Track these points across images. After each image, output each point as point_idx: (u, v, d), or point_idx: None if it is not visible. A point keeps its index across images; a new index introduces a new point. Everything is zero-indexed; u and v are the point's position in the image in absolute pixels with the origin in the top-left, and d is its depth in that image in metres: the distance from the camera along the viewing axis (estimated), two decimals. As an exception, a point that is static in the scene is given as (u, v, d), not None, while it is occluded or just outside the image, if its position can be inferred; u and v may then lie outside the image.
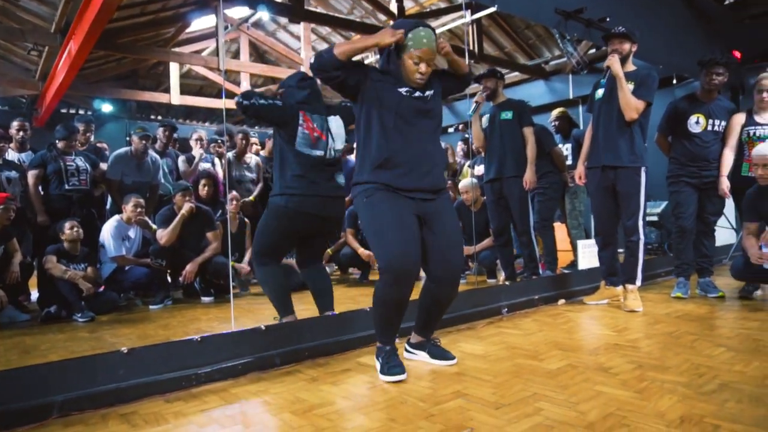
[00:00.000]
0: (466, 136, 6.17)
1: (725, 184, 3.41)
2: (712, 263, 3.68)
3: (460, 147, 6.29)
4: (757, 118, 3.44)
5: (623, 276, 3.36)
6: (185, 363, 2.03)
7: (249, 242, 4.66)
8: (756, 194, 3.17)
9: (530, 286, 3.42)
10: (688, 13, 5.49)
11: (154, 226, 4.21)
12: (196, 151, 5.09)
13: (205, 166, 5.00)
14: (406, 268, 1.96)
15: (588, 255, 3.93)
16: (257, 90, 2.90)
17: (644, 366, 2.04)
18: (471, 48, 7.24)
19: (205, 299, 4.21)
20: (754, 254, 3.05)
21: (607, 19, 3.98)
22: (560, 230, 5.12)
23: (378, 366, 2.10)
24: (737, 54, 6.12)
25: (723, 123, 3.51)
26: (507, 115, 3.98)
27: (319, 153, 2.70)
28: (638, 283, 3.30)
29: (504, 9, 3.64)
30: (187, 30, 8.40)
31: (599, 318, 3.07)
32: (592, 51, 7.15)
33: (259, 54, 11.36)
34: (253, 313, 3.62)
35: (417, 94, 2.07)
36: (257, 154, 5.69)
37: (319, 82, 2.43)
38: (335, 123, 2.81)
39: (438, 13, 7.46)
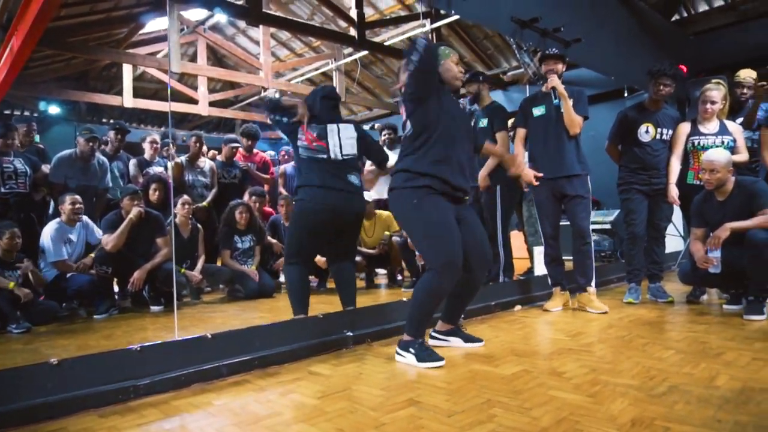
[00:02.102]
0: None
1: (674, 191, 3.51)
2: (662, 269, 3.78)
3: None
4: (701, 128, 3.56)
5: (582, 280, 3.46)
6: (123, 374, 1.91)
7: (202, 249, 4.51)
8: (702, 201, 3.26)
9: (487, 293, 3.41)
10: (638, 27, 5.68)
11: (100, 234, 4.01)
12: (149, 155, 4.91)
13: (157, 169, 4.82)
14: (459, 264, 2.23)
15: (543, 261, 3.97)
16: (284, 101, 3.05)
17: (597, 370, 2.04)
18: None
19: (155, 308, 4.03)
20: (699, 258, 3.13)
21: (561, 29, 4.06)
22: (517, 238, 5.17)
23: (411, 357, 2.24)
24: (683, 68, 6.38)
25: (670, 132, 3.62)
26: (483, 122, 4.05)
27: (321, 156, 2.94)
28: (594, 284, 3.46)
29: (462, 16, 3.67)
30: (142, 31, 8.16)
31: (554, 323, 3.08)
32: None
33: (217, 58, 11.15)
34: (203, 322, 3.48)
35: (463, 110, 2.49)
36: (213, 159, 5.54)
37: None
38: (345, 131, 3.04)
39: (397, 21, 7.49)
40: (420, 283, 2.29)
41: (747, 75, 3.90)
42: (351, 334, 2.60)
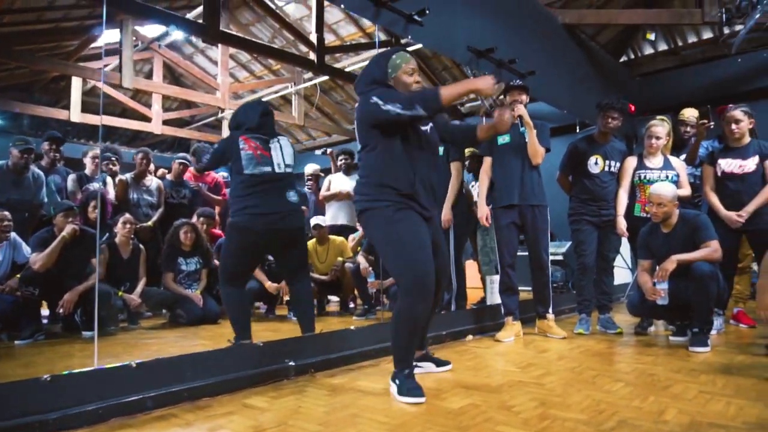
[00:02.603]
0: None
1: (622, 223, 3.56)
2: (611, 300, 3.80)
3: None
4: (647, 163, 3.64)
5: (542, 308, 3.56)
6: (28, 408, 1.70)
7: (143, 270, 4.26)
8: (648, 233, 3.31)
9: (438, 322, 3.33)
10: (590, 65, 5.89)
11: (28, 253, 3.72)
12: (89, 170, 4.65)
13: (96, 185, 4.56)
14: (432, 285, 2.11)
15: (497, 290, 3.93)
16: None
17: (547, 403, 1.97)
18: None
19: (87, 333, 3.74)
20: (647, 290, 3.16)
21: (516, 61, 4.13)
22: (471, 267, 5.14)
23: (395, 388, 2.12)
24: (631, 106, 6.63)
25: (618, 164, 3.71)
26: (440, 151, 4.01)
27: (267, 169, 2.85)
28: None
29: (418, 42, 3.67)
30: (94, 45, 7.89)
31: (505, 354, 3.02)
32: (502, 96, 7.47)
33: (174, 77, 10.91)
34: (137, 349, 3.25)
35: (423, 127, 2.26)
36: (163, 177, 5.32)
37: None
38: (284, 143, 3.00)
39: (357, 48, 7.53)
40: (394, 311, 2.20)
41: (690, 114, 4.07)
42: (293, 363, 2.45)
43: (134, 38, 7.35)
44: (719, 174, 3.51)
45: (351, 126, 10.23)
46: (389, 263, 2.20)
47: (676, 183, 3.51)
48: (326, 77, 7.92)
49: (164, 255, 4.38)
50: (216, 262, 4.74)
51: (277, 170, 2.88)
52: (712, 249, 3.01)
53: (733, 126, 3.43)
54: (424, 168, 2.22)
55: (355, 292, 4.90)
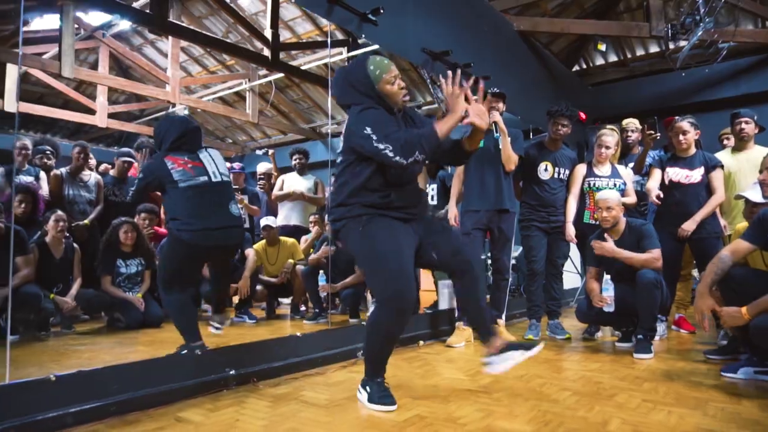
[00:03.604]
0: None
1: (571, 230, 3.60)
2: (560, 305, 3.84)
3: (331, 182, 6.15)
4: (596, 171, 3.70)
5: (495, 312, 3.57)
6: (-76, 429, 1.52)
7: (78, 271, 4.00)
8: (596, 240, 3.36)
9: (388, 327, 3.26)
10: (543, 73, 5.98)
11: None
12: (17, 163, 4.34)
13: (26, 179, 4.26)
14: (410, 301, 2.00)
15: (449, 295, 3.91)
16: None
17: (493, 414, 1.93)
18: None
19: (11, 338, 3.47)
20: (595, 297, 3.20)
21: (471, 65, 4.13)
22: (425, 271, 5.11)
23: (365, 396, 2.06)
24: (582, 115, 6.79)
25: (567, 171, 3.76)
26: None
27: (203, 179, 2.73)
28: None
29: (372, 42, 3.60)
30: (28, 29, 7.43)
31: (455, 360, 2.98)
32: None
33: (122, 68, 10.45)
34: (66, 357, 3.02)
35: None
36: (104, 173, 5.04)
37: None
38: (213, 153, 2.90)
39: (312, 46, 7.41)
40: (369, 319, 2.13)
41: (630, 121, 4.23)
42: (234, 372, 2.33)
43: (76, 26, 6.98)
44: (666, 182, 3.59)
45: (307, 125, 10.08)
46: (367, 278, 2.20)
47: (623, 191, 3.60)
48: (282, 74, 7.76)
49: (101, 257, 4.12)
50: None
51: (213, 179, 2.76)
52: (654, 257, 3.08)
53: (681, 137, 3.52)
54: (403, 176, 2.09)
55: (307, 295, 4.78)
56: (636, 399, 2.11)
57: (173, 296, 2.74)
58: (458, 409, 2.00)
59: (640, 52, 7.19)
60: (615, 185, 3.62)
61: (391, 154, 1.89)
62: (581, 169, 3.73)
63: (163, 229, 5.14)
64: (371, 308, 4.81)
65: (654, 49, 7.02)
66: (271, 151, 6.10)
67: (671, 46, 6.16)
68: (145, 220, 4.59)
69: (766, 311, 2.18)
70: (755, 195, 2.78)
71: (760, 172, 2.51)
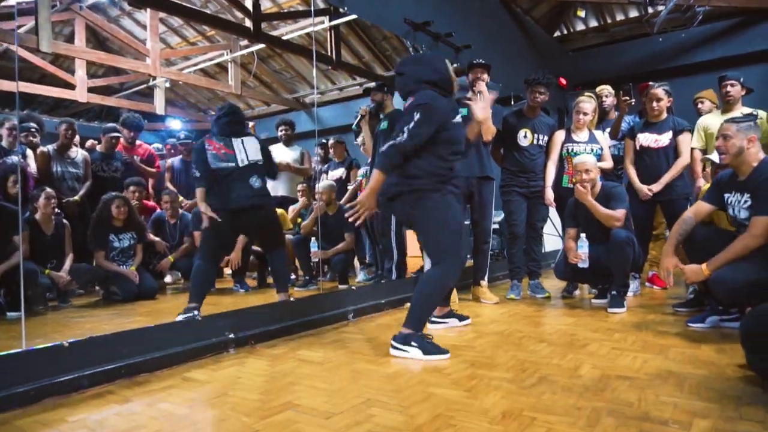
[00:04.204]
0: (324, 141, 6.11)
1: (550, 194, 3.76)
2: (540, 266, 4.03)
3: (317, 152, 6.22)
4: (574, 137, 3.85)
5: (478, 274, 3.79)
6: (-48, 392, 1.65)
7: (69, 246, 4.08)
8: (575, 204, 3.52)
9: (377, 291, 3.43)
10: (524, 40, 6.05)
11: None
12: (6, 142, 4.35)
13: (14, 159, 4.28)
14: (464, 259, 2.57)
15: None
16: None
17: (476, 364, 2.11)
18: (329, 54, 7.23)
19: (12, 314, 3.58)
20: (571, 254, 3.39)
21: (453, 35, 4.19)
22: (411, 236, 5.25)
23: (416, 351, 2.26)
24: (563, 81, 6.89)
25: (546, 138, 3.90)
26: (383, 125, 4.16)
27: (231, 164, 3.20)
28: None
29: (354, 12, 3.64)
30: (4, 3, 7.26)
31: (440, 320, 3.16)
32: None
33: (99, 41, 10.23)
34: (69, 328, 3.15)
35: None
36: (91, 150, 5.07)
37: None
38: (247, 140, 3.33)
39: (294, 16, 7.34)
40: (427, 279, 2.38)
41: (603, 87, 4.33)
42: (233, 336, 2.48)
43: (52, -2, 6.82)
44: (638, 148, 3.75)
45: (290, 95, 10.04)
46: (433, 240, 2.40)
47: (600, 156, 3.75)
48: (264, 45, 7.71)
49: (93, 233, 4.19)
50: (150, 236, 4.62)
51: (240, 165, 3.22)
52: (616, 216, 3.27)
53: (654, 104, 3.66)
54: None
55: (297, 263, 4.92)
56: (606, 347, 2.31)
57: (201, 263, 3.17)
58: (443, 361, 2.17)
59: (620, 17, 7.25)
60: (592, 150, 3.76)
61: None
62: (560, 135, 3.87)
63: (151, 203, 5.22)
64: (360, 274, 5.02)
65: (633, 14, 7.08)
66: (251, 123, 6.14)
67: (650, 10, 6.25)
68: (134, 193, 4.66)
69: (723, 266, 2.36)
70: (717, 156, 2.95)
71: (716, 138, 2.64)
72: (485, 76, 3.64)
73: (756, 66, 4.02)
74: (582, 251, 3.33)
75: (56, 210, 4.01)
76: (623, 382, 1.83)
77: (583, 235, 3.39)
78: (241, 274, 4.67)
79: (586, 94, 4.03)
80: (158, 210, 5.02)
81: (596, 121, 4.04)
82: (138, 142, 5.41)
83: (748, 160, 2.46)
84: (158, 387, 1.96)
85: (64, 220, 4.10)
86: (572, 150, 3.78)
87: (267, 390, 1.87)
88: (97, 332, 2.35)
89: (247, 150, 3.29)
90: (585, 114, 3.80)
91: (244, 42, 8.06)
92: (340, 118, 9.14)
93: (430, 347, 2.26)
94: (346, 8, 3.41)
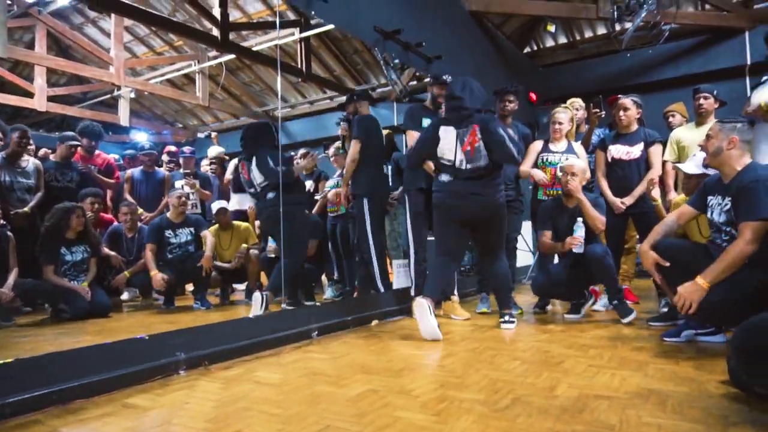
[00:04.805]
0: (292, 153, 5.97)
1: (537, 173, 3.70)
2: (513, 280, 3.93)
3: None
4: (551, 147, 3.81)
5: (448, 289, 3.65)
6: None
7: (13, 260, 3.79)
8: (553, 207, 3.44)
9: (343, 307, 3.27)
10: (495, 54, 6.04)
11: None
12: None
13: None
14: None
15: (403, 274, 3.93)
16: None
17: (446, 385, 1.96)
18: (299, 66, 7.11)
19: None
20: (566, 242, 3.26)
21: (423, 44, 4.13)
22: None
23: (513, 324, 3.17)
24: (533, 96, 6.92)
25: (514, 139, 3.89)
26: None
27: (251, 191, 3.95)
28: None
29: (322, 19, 3.54)
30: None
31: (410, 337, 3.00)
32: (413, 82, 7.51)
33: (61, 49, 9.90)
34: (6, 349, 2.88)
35: None
36: (45, 158, 4.80)
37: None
38: (254, 163, 3.78)
39: (262, 27, 7.23)
40: (506, 267, 3.28)
41: (574, 100, 4.31)
42: (184, 356, 2.28)
43: (9, 1, 6.56)
44: (609, 160, 3.71)
45: (259, 108, 9.86)
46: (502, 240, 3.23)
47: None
48: (233, 56, 7.55)
49: (42, 246, 3.92)
50: (105, 249, 4.36)
51: (256, 190, 3.82)
52: (602, 219, 3.27)
53: (621, 113, 3.64)
54: None
55: (262, 279, 4.72)
56: (582, 364, 2.19)
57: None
58: (411, 381, 2.02)
59: (588, 33, 7.35)
60: (567, 159, 3.71)
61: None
62: (537, 144, 3.85)
63: (108, 215, 4.96)
64: (327, 290, 4.84)
65: (601, 30, 7.19)
66: (213, 134, 6.00)
67: (617, 27, 6.34)
68: (93, 204, 4.42)
69: (721, 275, 2.22)
70: (688, 167, 2.92)
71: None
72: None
73: (719, 83, 4.12)
74: (578, 235, 3.23)
75: (1, 221, 3.75)
76: (602, 402, 1.71)
77: (579, 219, 3.27)
78: (202, 290, 4.44)
79: (563, 105, 4.02)
80: (115, 223, 4.77)
81: (574, 132, 4.03)
82: (97, 152, 5.17)
83: (729, 162, 2.39)
84: (93, 415, 1.76)
85: (9, 233, 3.82)
86: (547, 159, 3.75)
87: (215, 417, 1.69)
88: (39, 353, 2.13)
89: (252, 175, 3.81)
90: (560, 123, 3.78)
91: (213, 53, 7.89)
92: (310, 131, 9.01)
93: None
94: (313, 12, 3.29)
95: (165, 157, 5.83)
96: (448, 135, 3.06)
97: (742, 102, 4.40)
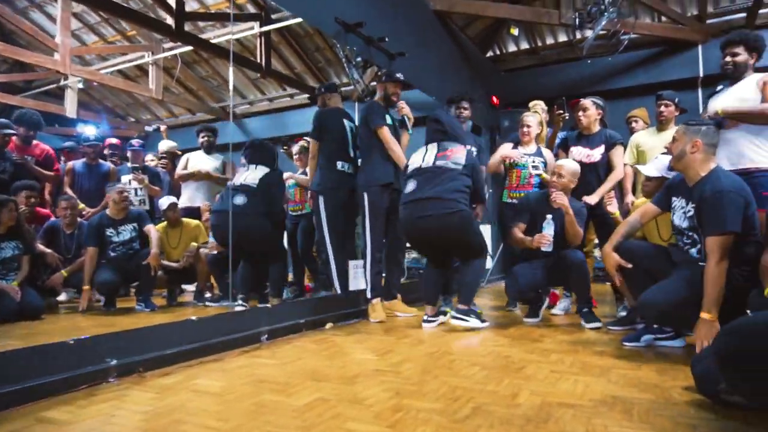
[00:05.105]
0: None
1: (507, 150, 3.78)
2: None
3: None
4: (521, 149, 3.84)
5: (395, 289, 3.76)
6: None
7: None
8: (537, 200, 3.34)
9: (295, 310, 3.10)
10: (459, 56, 6.00)
11: None
12: None
13: None
14: None
15: (359, 275, 3.79)
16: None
17: (401, 393, 1.83)
18: (258, 61, 6.89)
19: None
20: (535, 238, 3.15)
21: (386, 39, 4.01)
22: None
23: (476, 321, 3.14)
24: (495, 99, 6.92)
25: (474, 149, 3.92)
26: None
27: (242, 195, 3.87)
28: None
29: (282, 6, 3.39)
30: None
31: (365, 341, 2.87)
32: (375, 83, 7.41)
33: (4, 33, 9.33)
34: None
35: None
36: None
37: None
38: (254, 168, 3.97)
39: (219, 18, 6.99)
40: (476, 267, 3.24)
41: (536, 103, 4.30)
42: (116, 362, 2.07)
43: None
44: (569, 162, 3.68)
45: (217, 104, 9.54)
46: (475, 242, 3.22)
47: (544, 170, 3.77)
48: (188, 48, 7.26)
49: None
50: (40, 246, 4.04)
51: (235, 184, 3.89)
52: (581, 237, 3.24)
53: (581, 113, 3.61)
54: None
55: (212, 280, 4.49)
56: (544, 370, 2.10)
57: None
58: (365, 389, 1.88)
59: (549, 40, 7.42)
60: (534, 162, 3.75)
61: None
62: (506, 146, 3.85)
63: (45, 210, 4.62)
64: (283, 292, 4.64)
65: (562, 38, 7.28)
66: (163, 127, 5.73)
67: (578, 34, 6.41)
68: (29, 198, 4.09)
69: (718, 300, 2.15)
70: (648, 169, 2.90)
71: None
72: (400, 92, 3.76)
73: (675, 94, 4.24)
74: (548, 233, 3.13)
75: None
76: (567, 410, 1.61)
77: (549, 216, 3.16)
78: (147, 291, 4.17)
79: (533, 110, 4.07)
80: (53, 218, 4.43)
81: (544, 135, 4.06)
82: (35, 142, 4.82)
83: (692, 165, 2.35)
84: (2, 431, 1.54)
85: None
86: (513, 161, 3.73)
87: (147, 430, 1.50)
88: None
89: (247, 179, 3.88)
90: (528, 126, 3.80)
91: (168, 44, 7.56)
92: (269, 129, 8.77)
93: (481, 319, 3.13)
94: (273, 1, 3.12)
95: (107, 151, 5.49)
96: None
97: (694, 113, 4.52)
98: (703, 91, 6.34)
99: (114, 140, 5.60)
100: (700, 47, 6.36)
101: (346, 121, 3.86)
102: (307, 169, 4.14)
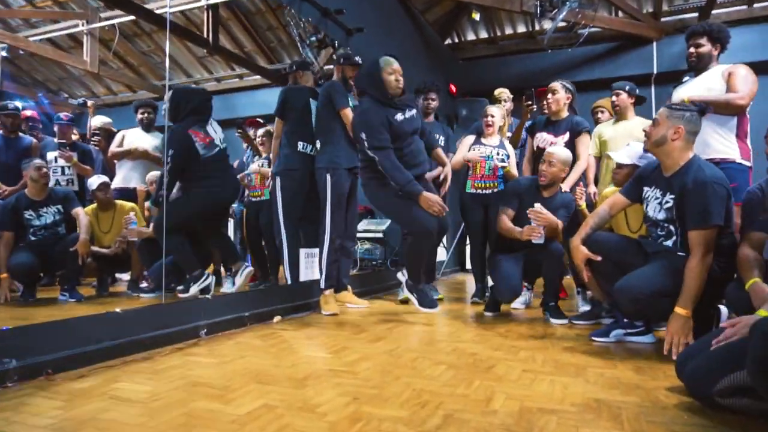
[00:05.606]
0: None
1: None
2: (435, 269, 3.78)
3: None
4: (483, 141, 3.75)
5: (345, 279, 3.57)
6: None
7: None
8: (527, 187, 3.13)
9: (239, 302, 2.80)
10: (419, 40, 5.79)
11: None
12: None
13: None
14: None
15: (310, 265, 3.52)
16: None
17: (360, 398, 1.59)
18: (205, 36, 6.44)
19: None
20: (526, 230, 2.92)
21: (344, 12, 3.75)
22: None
23: (415, 300, 3.11)
24: (453, 88, 6.76)
25: (442, 138, 3.92)
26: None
27: (215, 151, 3.26)
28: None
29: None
30: None
31: (317, 337, 2.61)
32: (330, 66, 7.10)
33: None
34: None
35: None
36: None
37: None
38: (214, 124, 3.41)
39: (167, -14, 6.44)
40: (408, 248, 3.10)
41: (501, 91, 4.23)
42: (16, 364, 1.72)
43: None
44: (534, 148, 3.55)
45: (160, 82, 8.95)
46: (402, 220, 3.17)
47: (506, 161, 3.71)
48: (129, 17, 6.70)
49: None
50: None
51: (221, 147, 3.31)
52: (560, 236, 3.07)
53: (550, 96, 3.46)
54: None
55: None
56: (515, 370, 1.92)
57: (177, 239, 3.13)
58: (317, 394, 1.63)
59: (508, 30, 7.33)
60: (498, 154, 3.67)
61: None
62: (469, 138, 3.78)
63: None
64: (226, 282, 4.30)
65: (521, 29, 7.20)
66: (90, 102, 5.25)
67: (538, 25, 6.33)
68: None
69: (696, 297, 2.03)
70: (620, 156, 2.78)
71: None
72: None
73: (626, 83, 4.25)
74: (537, 224, 2.91)
75: None
76: (549, 417, 1.42)
77: (537, 205, 2.93)
78: (72, 279, 3.73)
79: (499, 98, 4.09)
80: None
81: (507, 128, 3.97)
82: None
83: (671, 153, 2.23)
84: None
85: None
86: (479, 152, 3.65)
87: (39, 452, 1.19)
88: None
89: (218, 134, 3.41)
90: (492, 117, 3.71)
91: (106, 13, 6.97)
92: (217, 111, 8.27)
93: (426, 301, 3.05)
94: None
95: (24, 125, 4.95)
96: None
97: (646, 108, 4.51)
98: (656, 88, 6.43)
99: (29, 112, 5.06)
100: (654, 44, 6.43)
101: (312, 101, 3.61)
102: (271, 155, 3.87)
